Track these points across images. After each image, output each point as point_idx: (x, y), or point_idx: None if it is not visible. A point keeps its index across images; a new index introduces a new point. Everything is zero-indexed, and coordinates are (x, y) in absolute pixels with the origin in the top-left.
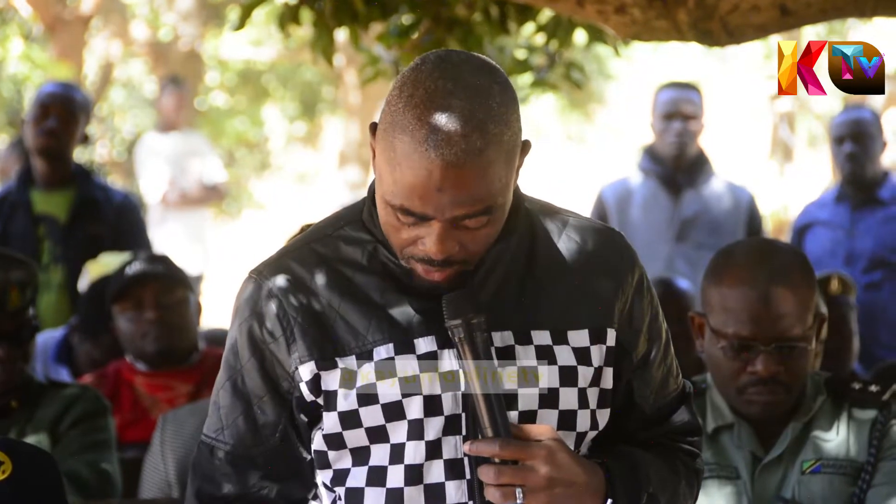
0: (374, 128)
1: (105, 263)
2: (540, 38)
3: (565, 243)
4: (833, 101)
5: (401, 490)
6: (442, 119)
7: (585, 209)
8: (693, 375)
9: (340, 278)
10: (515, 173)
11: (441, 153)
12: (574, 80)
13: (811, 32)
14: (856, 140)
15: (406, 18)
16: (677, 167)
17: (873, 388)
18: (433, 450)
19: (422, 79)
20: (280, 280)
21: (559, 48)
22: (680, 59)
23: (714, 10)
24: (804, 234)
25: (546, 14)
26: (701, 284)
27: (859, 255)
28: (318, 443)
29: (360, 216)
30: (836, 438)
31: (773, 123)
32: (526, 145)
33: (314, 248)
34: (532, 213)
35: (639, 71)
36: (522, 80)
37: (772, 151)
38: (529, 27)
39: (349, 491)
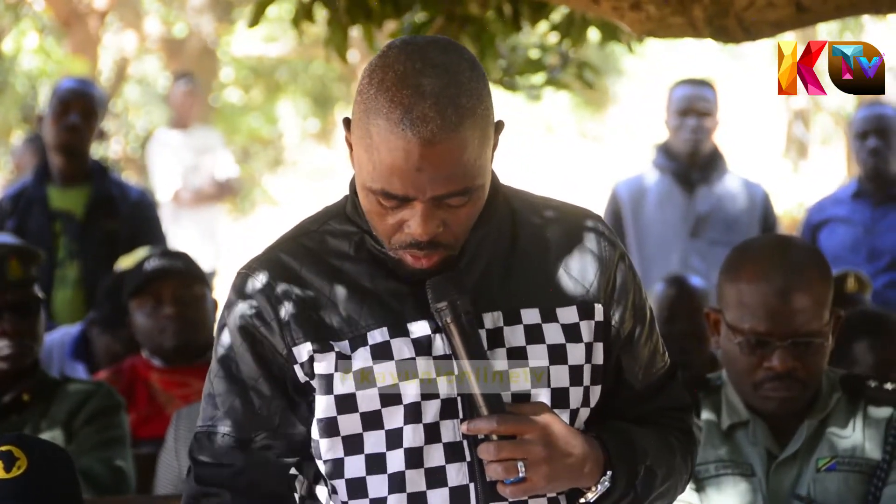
0: (347, 122)
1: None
2: (553, 37)
3: (545, 224)
4: (847, 99)
5: (402, 474)
6: (415, 98)
7: (599, 206)
8: (708, 373)
9: (329, 268)
10: (491, 151)
11: (418, 131)
12: (586, 80)
13: (824, 30)
14: (880, 135)
15: (419, 16)
16: (692, 164)
17: (889, 385)
18: (432, 433)
19: (390, 63)
20: (269, 270)
21: (572, 47)
22: (694, 56)
23: (730, 6)
24: (819, 231)
25: (559, 12)
26: (717, 280)
27: (881, 252)
28: (312, 431)
29: (343, 211)
30: (852, 436)
31: (787, 121)
32: (499, 124)
33: (301, 241)
34: (509, 198)
35: (653, 68)
36: (535, 79)
37: (786, 149)
38: (543, 25)
39: (350, 482)
